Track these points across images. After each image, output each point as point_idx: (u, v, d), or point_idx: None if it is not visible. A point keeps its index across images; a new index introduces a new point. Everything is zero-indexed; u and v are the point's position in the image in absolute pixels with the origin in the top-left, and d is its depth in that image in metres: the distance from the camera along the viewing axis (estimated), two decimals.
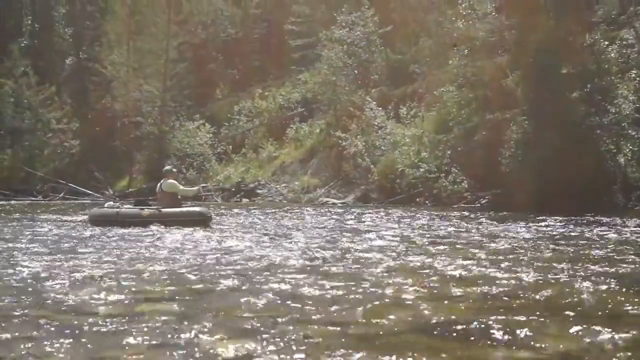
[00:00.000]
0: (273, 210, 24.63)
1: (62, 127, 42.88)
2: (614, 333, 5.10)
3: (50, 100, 42.72)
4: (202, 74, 47.25)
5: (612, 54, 23.50)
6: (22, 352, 4.57)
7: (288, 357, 4.47)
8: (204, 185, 33.20)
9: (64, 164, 42.03)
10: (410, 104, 34.84)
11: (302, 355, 4.53)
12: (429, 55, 36.46)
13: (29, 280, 7.50)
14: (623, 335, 5.04)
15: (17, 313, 5.86)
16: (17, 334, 5.05)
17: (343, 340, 4.91)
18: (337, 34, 37.65)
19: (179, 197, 16.61)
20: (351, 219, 19.75)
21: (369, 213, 22.27)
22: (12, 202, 33.54)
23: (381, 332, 5.16)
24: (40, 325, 5.36)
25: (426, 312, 5.93)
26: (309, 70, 43.40)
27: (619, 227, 15.34)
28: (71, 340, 4.87)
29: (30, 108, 41.70)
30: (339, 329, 5.22)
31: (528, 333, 5.10)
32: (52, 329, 5.22)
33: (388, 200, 29.94)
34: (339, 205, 30.21)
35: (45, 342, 4.78)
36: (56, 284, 7.33)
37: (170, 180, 16.45)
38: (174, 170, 17.89)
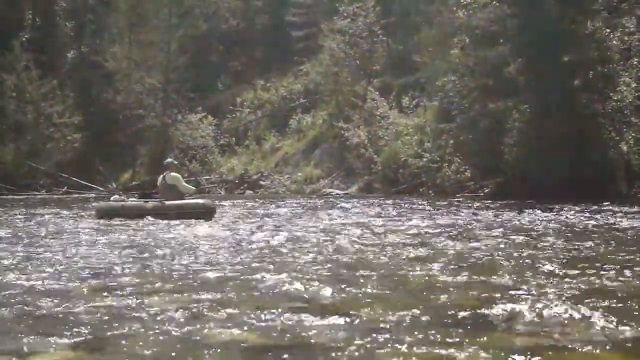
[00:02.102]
0: (277, 201, 24.67)
1: (65, 121, 42.83)
2: (627, 320, 5.15)
3: (52, 94, 42.63)
4: (204, 66, 47.22)
5: (614, 42, 23.47)
6: (29, 345, 4.58)
7: (296, 346, 4.50)
8: (207, 177, 33.31)
9: (66, 158, 42.00)
10: (413, 93, 34.88)
11: (313, 344, 4.57)
12: (430, 44, 36.45)
13: (36, 272, 7.53)
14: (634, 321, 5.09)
15: (23, 304, 5.89)
16: (23, 325, 5.06)
17: (352, 330, 4.95)
18: (338, 24, 37.65)
19: (182, 189, 16.64)
20: (355, 207, 19.79)
21: (373, 203, 22.30)
22: (15, 196, 33.56)
23: (390, 321, 5.20)
24: (48, 315, 5.39)
25: (433, 301, 5.98)
26: (310, 61, 43.38)
27: (622, 215, 15.38)
28: (77, 331, 4.89)
29: (32, 102, 41.66)
30: (348, 319, 5.26)
31: (535, 320, 5.15)
32: (58, 320, 5.24)
33: (391, 190, 29.99)
34: (342, 195, 30.24)
35: (52, 334, 4.79)
36: (63, 275, 7.37)
37: (174, 173, 16.46)
38: (175, 162, 17.90)
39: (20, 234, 12.53)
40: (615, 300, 5.83)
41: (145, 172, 40.44)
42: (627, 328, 4.90)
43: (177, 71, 43.32)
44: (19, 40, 43.40)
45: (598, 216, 15.18)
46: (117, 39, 45.46)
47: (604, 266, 7.64)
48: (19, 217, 17.61)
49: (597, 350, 4.38)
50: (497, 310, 5.42)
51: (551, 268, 7.55)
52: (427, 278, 7.12)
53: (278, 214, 17.97)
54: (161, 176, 16.57)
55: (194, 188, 17.97)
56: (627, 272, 7.28)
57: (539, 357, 4.20)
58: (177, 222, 14.53)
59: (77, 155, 42.40)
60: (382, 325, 5.02)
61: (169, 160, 17.58)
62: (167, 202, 15.74)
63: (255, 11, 52.16)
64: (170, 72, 42.89)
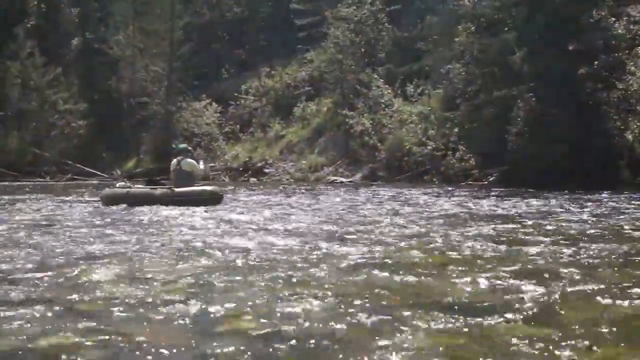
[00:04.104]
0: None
1: (69, 108, 42.83)
2: (627, 304, 5.20)
3: (56, 82, 42.64)
4: (208, 53, 47.19)
5: (619, 30, 23.46)
6: (36, 334, 4.61)
7: (303, 336, 4.54)
8: (212, 165, 33.41)
9: (71, 145, 42.00)
10: (417, 81, 34.83)
11: (319, 330, 4.62)
12: (435, 32, 36.39)
13: (42, 261, 7.57)
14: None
15: (28, 294, 5.92)
16: (29, 314, 5.08)
17: (352, 317, 5.00)
18: (343, 12, 37.60)
19: (196, 175, 16.61)
20: (351, 194, 19.84)
21: (374, 190, 22.34)
22: (19, 183, 33.62)
23: (390, 307, 5.25)
24: (53, 303, 5.42)
25: (432, 288, 6.03)
26: (315, 49, 43.30)
27: (626, 203, 15.43)
28: (84, 320, 4.92)
29: (36, 89, 41.67)
30: (345, 307, 5.31)
31: (539, 308, 5.20)
32: (65, 309, 5.26)
33: (395, 178, 30.01)
34: (347, 183, 30.27)
35: (57, 320, 4.83)
36: (69, 263, 7.40)
37: (190, 160, 16.42)
38: (189, 148, 17.79)
39: (24, 220, 12.58)
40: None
41: (150, 160, 40.46)
42: None
43: (181, 59, 43.31)
44: (23, 27, 43.37)
45: (607, 204, 15.25)
46: (121, 27, 45.37)
47: (609, 258, 7.70)
48: (24, 203, 17.64)
49: (605, 340, 4.43)
50: (497, 299, 5.49)
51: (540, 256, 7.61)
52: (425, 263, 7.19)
53: (286, 202, 18.04)
54: (175, 161, 16.45)
55: (204, 166, 17.66)
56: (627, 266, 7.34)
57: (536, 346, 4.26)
58: (185, 208, 14.56)
59: (81, 143, 42.39)
60: (387, 312, 5.08)
61: (183, 145, 17.50)
62: (175, 189, 15.74)
63: None
64: (174, 59, 42.84)
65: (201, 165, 16.83)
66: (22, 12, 46.02)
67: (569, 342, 4.25)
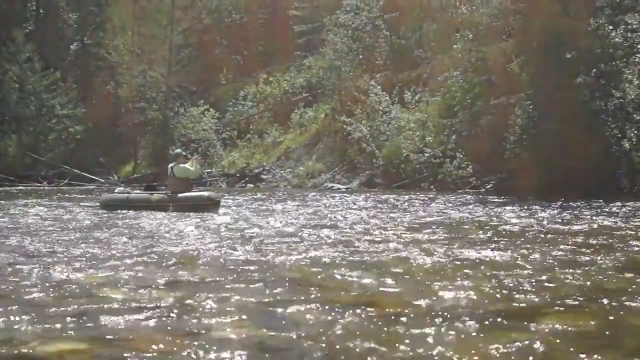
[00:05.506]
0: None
1: (67, 113, 42.85)
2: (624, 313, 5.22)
3: (54, 86, 42.65)
4: (206, 59, 47.19)
5: (617, 39, 23.50)
6: (31, 335, 4.61)
7: (298, 341, 4.54)
8: (209, 170, 33.42)
9: (68, 150, 41.98)
10: (415, 88, 34.86)
11: (317, 340, 4.62)
12: (433, 39, 36.41)
13: (41, 263, 7.58)
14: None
15: (27, 296, 5.93)
16: (26, 317, 5.09)
17: (354, 325, 5.02)
18: (341, 18, 37.64)
19: (192, 179, 16.64)
20: (346, 198, 19.88)
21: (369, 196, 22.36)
22: (17, 188, 33.62)
23: (400, 314, 5.26)
24: (50, 308, 5.43)
25: (432, 297, 6.04)
26: (313, 55, 43.32)
27: (623, 212, 15.45)
28: (80, 323, 4.93)
29: (34, 94, 41.68)
30: (349, 315, 5.32)
31: (531, 318, 5.21)
32: (61, 311, 5.28)
33: (393, 185, 30.00)
34: (344, 190, 30.26)
35: (54, 326, 4.83)
36: (67, 266, 7.41)
37: (183, 165, 16.47)
38: (184, 153, 17.82)
39: (22, 225, 12.58)
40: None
41: (147, 165, 40.48)
42: None
43: (179, 64, 43.33)
44: (22, 31, 43.37)
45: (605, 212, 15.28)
46: (119, 32, 45.39)
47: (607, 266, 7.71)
48: (21, 208, 17.64)
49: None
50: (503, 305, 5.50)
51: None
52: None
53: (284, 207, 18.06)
54: (169, 166, 16.54)
55: (195, 168, 17.58)
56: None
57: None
58: (183, 213, 14.59)
59: (79, 147, 42.38)
60: (390, 315, 5.08)
61: (177, 151, 17.57)
62: (172, 195, 15.79)
63: (257, 5, 52.00)
64: (172, 65, 42.86)
65: (193, 167, 16.85)
66: (21, 16, 46.03)
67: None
